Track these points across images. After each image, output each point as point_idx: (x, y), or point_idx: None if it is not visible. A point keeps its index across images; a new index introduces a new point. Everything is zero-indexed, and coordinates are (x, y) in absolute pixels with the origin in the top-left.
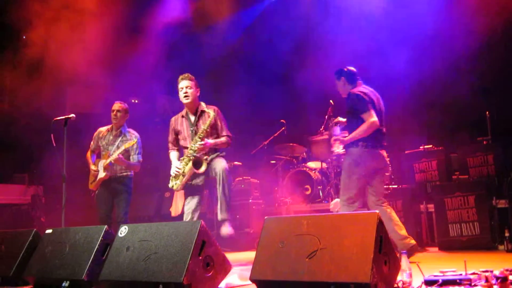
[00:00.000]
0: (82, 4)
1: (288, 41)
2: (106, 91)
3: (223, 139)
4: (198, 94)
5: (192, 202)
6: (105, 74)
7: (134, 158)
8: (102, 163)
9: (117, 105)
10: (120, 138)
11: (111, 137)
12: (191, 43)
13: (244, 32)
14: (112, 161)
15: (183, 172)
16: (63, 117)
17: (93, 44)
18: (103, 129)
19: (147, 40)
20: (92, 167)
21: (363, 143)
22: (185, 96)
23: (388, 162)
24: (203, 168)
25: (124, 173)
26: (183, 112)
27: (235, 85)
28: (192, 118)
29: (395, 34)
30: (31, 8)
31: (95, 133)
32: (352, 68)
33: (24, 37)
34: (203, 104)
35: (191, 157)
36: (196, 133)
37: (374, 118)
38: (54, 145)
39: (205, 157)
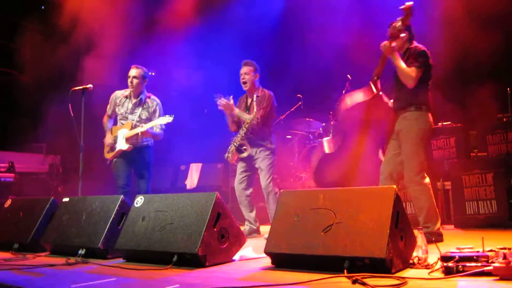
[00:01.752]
0: None
1: (314, 15)
2: (123, 62)
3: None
4: (255, 79)
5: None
6: (122, 45)
7: (158, 126)
8: (123, 133)
9: (133, 71)
10: (141, 107)
11: (130, 105)
12: (209, 16)
13: (266, 4)
14: (140, 134)
15: (232, 149)
16: (81, 87)
17: (111, 15)
18: (120, 93)
19: (165, 13)
20: (108, 137)
21: (425, 106)
22: (243, 82)
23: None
24: (244, 154)
25: (145, 143)
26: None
27: (253, 59)
28: (249, 101)
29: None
30: None
31: (112, 96)
32: None
33: (42, 7)
34: (261, 89)
35: (235, 143)
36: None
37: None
38: (72, 115)
39: (243, 147)
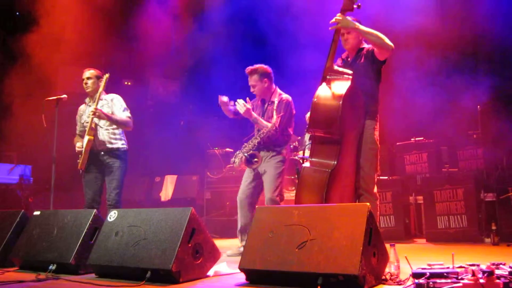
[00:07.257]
0: None
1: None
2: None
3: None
4: (265, 85)
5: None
6: (98, 55)
7: (122, 115)
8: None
9: (86, 73)
10: (96, 104)
11: (89, 109)
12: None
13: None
14: (94, 115)
15: (241, 157)
16: (55, 97)
17: (87, 23)
18: (82, 106)
19: (141, 21)
20: (77, 146)
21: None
22: (253, 91)
23: None
24: (254, 166)
25: (115, 145)
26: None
27: (226, 73)
28: (265, 105)
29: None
30: None
31: (77, 115)
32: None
33: (17, 13)
34: (278, 92)
35: (246, 153)
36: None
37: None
38: (45, 125)
39: (255, 159)
